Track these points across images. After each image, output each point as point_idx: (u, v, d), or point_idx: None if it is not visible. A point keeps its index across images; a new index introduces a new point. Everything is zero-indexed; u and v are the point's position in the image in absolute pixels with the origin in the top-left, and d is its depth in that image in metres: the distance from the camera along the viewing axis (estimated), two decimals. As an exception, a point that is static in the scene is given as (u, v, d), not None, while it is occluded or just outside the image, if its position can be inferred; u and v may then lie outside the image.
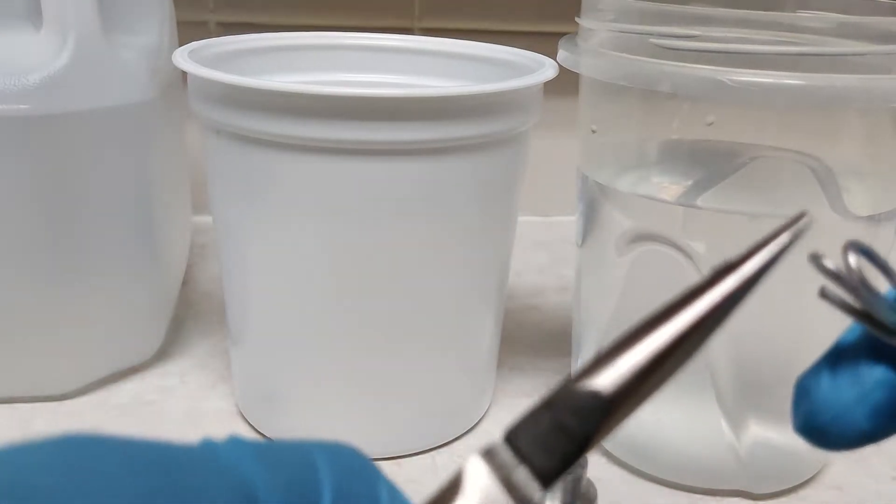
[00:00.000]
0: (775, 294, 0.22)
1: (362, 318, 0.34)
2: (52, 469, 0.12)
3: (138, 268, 0.41)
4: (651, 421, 0.36)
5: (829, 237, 0.32)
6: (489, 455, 0.16)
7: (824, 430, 0.19)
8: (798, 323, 0.33)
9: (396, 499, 0.16)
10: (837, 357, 0.19)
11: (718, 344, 0.32)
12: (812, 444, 0.19)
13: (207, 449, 0.14)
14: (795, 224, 0.16)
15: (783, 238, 0.16)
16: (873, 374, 0.18)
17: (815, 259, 0.17)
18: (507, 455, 0.16)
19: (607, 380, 0.15)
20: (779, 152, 0.33)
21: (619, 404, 0.15)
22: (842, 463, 0.38)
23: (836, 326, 0.19)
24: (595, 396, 0.15)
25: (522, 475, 0.15)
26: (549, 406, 0.16)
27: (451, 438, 0.38)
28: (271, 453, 0.15)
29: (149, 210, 0.41)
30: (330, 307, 0.34)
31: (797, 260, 0.17)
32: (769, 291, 0.17)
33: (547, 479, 0.16)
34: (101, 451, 0.13)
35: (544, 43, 0.41)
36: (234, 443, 0.15)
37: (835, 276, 0.17)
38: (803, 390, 0.19)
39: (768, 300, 0.18)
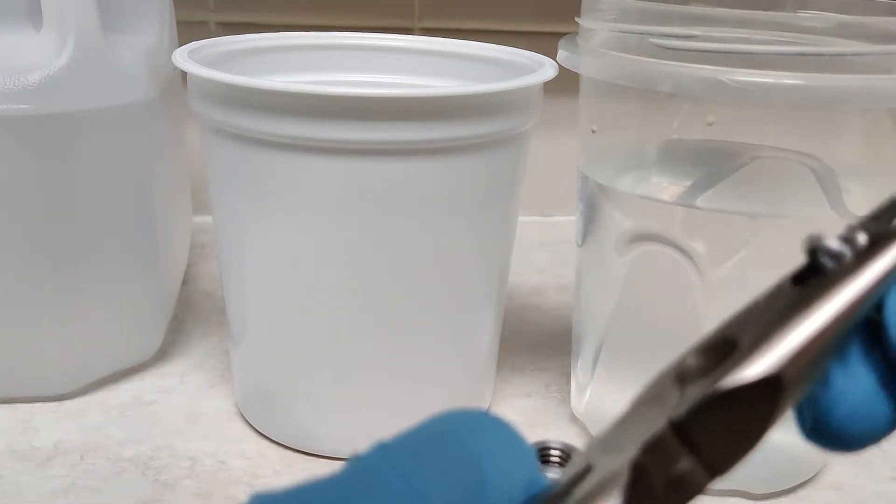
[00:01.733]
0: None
1: (362, 317, 0.34)
2: None
3: (138, 267, 0.41)
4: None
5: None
6: (654, 445, 0.15)
7: (842, 429, 0.16)
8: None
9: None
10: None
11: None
12: (826, 449, 0.17)
13: (369, 471, 0.15)
14: None
15: None
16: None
17: (814, 242, 0.17)
18: (675, 445, 0.15)
19: (776, 363, 0.15)
20: (779, 152, 0.33)
21: (790, 386, 0.15)
22: (842, 463, 0.38)
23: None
24: (766, 381, 0.15)
25: (689, 464, 0.15)
26: (722, 396, 0.15)
27: (451, 438, 0.38)
28: (432, 461, 0.15)
29: (149, 210, 0.41)
30: (329, 307, 0.34)
31: (797, 258, 0.17)
32: (766, 286, 0.17)
33: (717, 471, 0.15)
34: None
35: (544, 43, 0.41)
36: (384, 448, 0.15)
37: (835, 256, 0.16)
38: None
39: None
